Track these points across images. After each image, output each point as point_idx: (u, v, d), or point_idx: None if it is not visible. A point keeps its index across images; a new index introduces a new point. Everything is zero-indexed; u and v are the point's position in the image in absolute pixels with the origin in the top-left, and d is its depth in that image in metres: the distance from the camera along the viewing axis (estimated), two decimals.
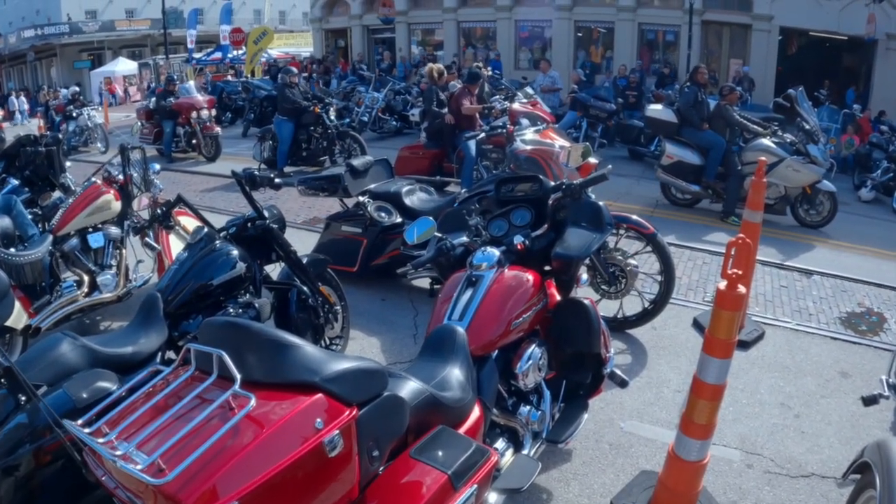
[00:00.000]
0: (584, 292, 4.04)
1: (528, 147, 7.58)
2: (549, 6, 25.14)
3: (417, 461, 2.46)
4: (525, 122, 8.62)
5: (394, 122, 18.07)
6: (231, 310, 4.33)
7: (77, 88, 19.65)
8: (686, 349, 5.67)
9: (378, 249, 6.85)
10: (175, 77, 17.45)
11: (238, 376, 2.10)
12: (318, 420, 2.12)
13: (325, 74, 24.95)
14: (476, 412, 2.96)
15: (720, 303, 3.18)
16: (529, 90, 14.20)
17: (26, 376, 2.69)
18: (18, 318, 5.00)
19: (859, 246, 9.35)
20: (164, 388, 2.26)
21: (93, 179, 6.27)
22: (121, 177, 6.28)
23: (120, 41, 46.31)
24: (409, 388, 2.62)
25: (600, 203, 4.03)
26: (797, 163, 9.67)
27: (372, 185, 7.15)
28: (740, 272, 3.14)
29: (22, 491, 2.77)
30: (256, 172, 5.10)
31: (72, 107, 17.58)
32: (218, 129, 15.31)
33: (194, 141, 15.07)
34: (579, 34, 25.54)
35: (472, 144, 10.06)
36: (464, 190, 7.18)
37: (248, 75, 26.45)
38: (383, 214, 6.87)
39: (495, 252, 3.52)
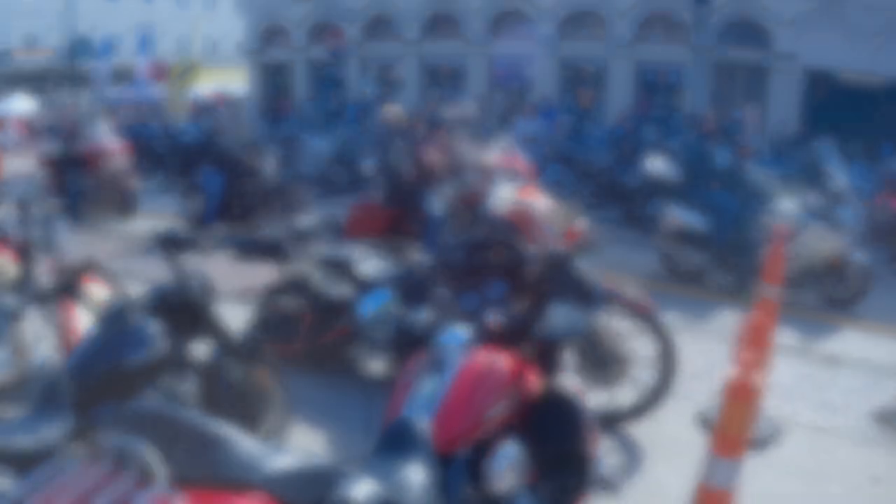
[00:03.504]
0: (569, 380, 4.09)
1: (505, 207, 7.71)
2: (531, 40, 25.55)
3: None
4: (501, 177, 8.75)
5: (343, 175, 18.19)
6: (150, 396, 4.34)
7: None
8: (689, 448, 5.68)
9: (324, 326, 6.85)
10: (83, 118, 17.39)
11: (162, 474, 2.12)
12: None
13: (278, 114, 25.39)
14: None
15: (731, 394, 3.24)
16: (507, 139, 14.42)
17: None
18: None
19: None
20: (71, 488, 2.28)
21: None
22: (19, 236, 6.28)
23: (17, 74, 46.18)
24: (361, 490, 2.62)
25: (589, 274, 4.10)
26: (823, 229, 9.78)
27: (318, 250, 7.21)
28: (755, 358, 3.21)
29: None
30: (180, 233, 5.14)
31: None
32: (134, 181, 15.28)
33: (106, 195, 15.03)
34: (566, 73, 25.94)
35: (437, 203, 10.09)
36: (428, 256, 7.25)
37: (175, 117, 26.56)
38: (331, 285, 6.93)
39: (465, 331, 3.58)
